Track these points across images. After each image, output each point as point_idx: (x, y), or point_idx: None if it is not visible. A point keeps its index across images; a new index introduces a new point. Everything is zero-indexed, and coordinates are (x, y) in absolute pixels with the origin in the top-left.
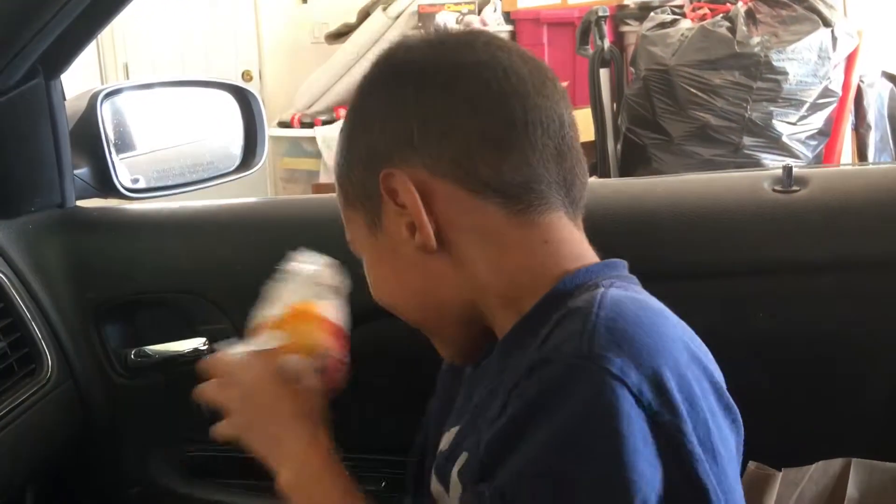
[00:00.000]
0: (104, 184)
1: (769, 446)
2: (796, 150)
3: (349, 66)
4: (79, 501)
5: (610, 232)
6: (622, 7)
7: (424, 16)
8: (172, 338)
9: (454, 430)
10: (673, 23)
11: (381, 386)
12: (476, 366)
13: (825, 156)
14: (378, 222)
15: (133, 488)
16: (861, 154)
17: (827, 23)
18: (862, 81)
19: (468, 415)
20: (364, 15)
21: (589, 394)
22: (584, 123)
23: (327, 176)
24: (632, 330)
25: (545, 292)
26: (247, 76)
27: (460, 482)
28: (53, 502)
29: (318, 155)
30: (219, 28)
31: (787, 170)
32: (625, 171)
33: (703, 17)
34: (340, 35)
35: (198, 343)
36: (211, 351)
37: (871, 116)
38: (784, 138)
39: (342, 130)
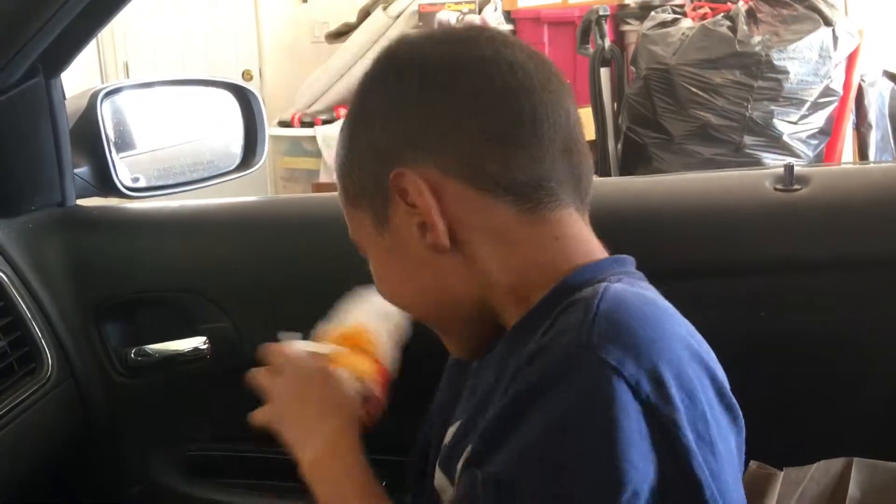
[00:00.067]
0: (104, 183)
1: (770, 445)
2: (797, 149)
3: (349, 65)
4: (79, 500)
5: (611, 230)
6: (623, 6)
7: (425, 15)
8: (173, 337)
9: (459, 423)
10: (674, 22)
11: None
12: (482, 359)
13: (826, 155)
14: (385, 220)
15: (133, 487)
16: (862, 153)
17: (828, 22)
18: (863, 80)
19: (472, 407)
20: (364, 14)
21: (585, 383)
22: (584, 123)
23: (327, 175)
24: (632, 323)
25: (553, 286)
26: (247, 75)
27: None
28: (54, 501)
29: (318, 154)
30: (219, 27)
31: (789, 168)
32: (625, 171)
33: (703, 17)
34: (341, 34)
35: (198, 342)
36: (211, 350)
37: (872, 115)
38: (785, 137)
39: (343, 128)
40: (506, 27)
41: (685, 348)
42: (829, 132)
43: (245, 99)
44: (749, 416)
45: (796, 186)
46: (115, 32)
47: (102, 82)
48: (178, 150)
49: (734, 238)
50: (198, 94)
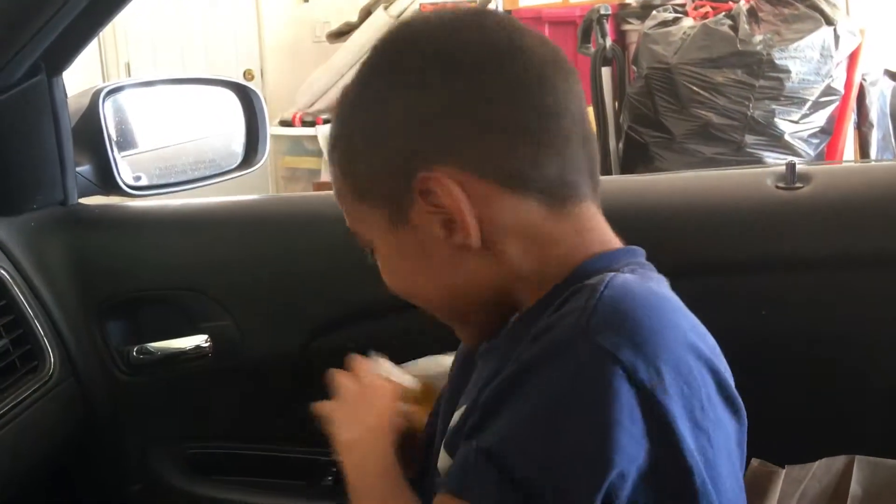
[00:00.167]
0: (106, 181)
1: (772, 443)
2: (798, 148)
3: (351, 64)
4: (80, 498)
5: (612, 228)
6: (624, 5)
7: None
8: (174, 335)
9: (465, 406)
10: (675, 21)
11: None
12: (490, 343)
13: (827, 154)
14: (402, 218)
15: (135, 485)
16: (863, 152)
17: (829, 21)
18: (864, 80)
19: (477, 390)
20: (366, 13)
21: (580, 365)
22: None
23: (328, 174)
24: (634, 311)
25: (567, 275)
26: (248, 75)
27: None
28: (55, 499)
29: (319, 154)
30: (220, 27)
31: (791, 166)
32: (626, 170)
33: (705, 16)
34: (342, 34)
35: (200, 340)
36: (213, 348)
37: (874, 115)
38: (786, 136)
39: (342, 116)
40: None
41: (686, 339)
42: (831, 131)
43: (247, 97)
44: (750, 414)
45: (798, 185)
46: (117, 32)
47: (104, 82)
48: (179, 148)
49: (736, 236)
50: (199, 93)
